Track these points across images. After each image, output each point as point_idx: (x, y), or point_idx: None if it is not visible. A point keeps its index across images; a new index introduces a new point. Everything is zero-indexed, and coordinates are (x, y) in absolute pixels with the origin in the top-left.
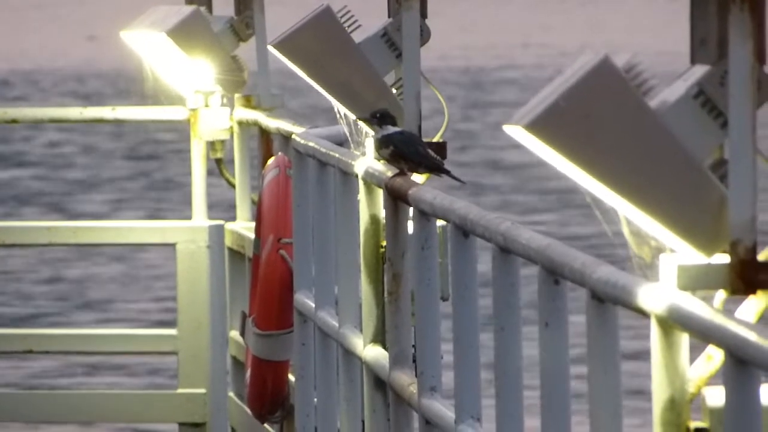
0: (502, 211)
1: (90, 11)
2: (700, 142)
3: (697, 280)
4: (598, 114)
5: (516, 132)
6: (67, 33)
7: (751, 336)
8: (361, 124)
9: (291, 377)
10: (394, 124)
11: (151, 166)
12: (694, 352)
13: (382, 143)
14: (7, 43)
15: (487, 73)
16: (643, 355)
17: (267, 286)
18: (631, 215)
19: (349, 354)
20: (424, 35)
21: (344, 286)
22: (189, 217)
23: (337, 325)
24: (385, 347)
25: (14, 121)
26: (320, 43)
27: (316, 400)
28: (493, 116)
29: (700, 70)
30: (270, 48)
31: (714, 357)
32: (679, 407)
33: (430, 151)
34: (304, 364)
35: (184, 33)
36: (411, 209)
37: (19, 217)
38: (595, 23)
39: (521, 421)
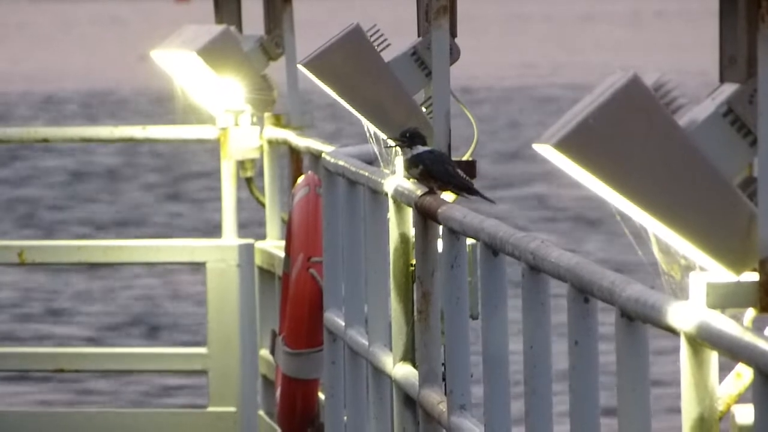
0: None
1: (136, 29)
2: (729, 161)
3: (726, 299)
4: (628, 132)
5: (545, 150)
6: (119, 52)
7: None
8: (390, 142)
9: (321, 395)
10: (424, 143)
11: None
12: (724, 370)
13: (411, 162)
14: (75, 64)
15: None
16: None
17: (297, 304)
18: (661, 233)
19: (378, 372)
20: (454, 54)
21: (374, 304)
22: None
23: (366, 343)
24: (414, 365)
25: (45, 140)
26: (350, 62)
27: (346, 418)
28: None
29: (729, 89)
30: (300, 67)
31: (743, 375)
32: (709, 425)
33: (460, 171)
34: (333, 382)
35: (214, 52)
36: (440, 228)
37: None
38: (617, 43)
39: None
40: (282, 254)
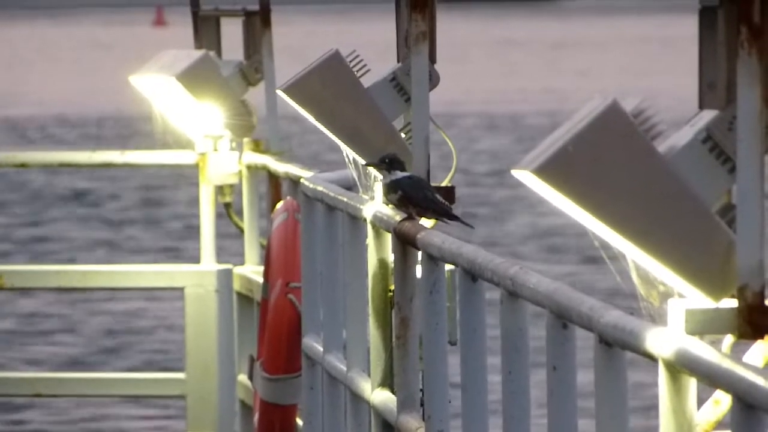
0: None
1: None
2: (708, 187)
3: (704, 325)
4: (607, 158)
5: (524, 176)
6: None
7: (759, 381)
8: (369, 168)
9: (299, 421)
10: (403, 168)
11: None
12: (702, 397)
13: (390, 188)
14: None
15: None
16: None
17: (275, 330)
18: (640, 260)
19: (357, 398)
20: (433, 80)
21: (352, 330)
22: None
23: (345, 369)
24: (393, 391)
25: (23, 165)
26: (329, 87)
27: None
28: None
29: (709, 115)
30: (279, 92)
31: (721, 401)
32: None
33: (439, 196)
34: (312, 408)
35: (193, 77)
36: (419, 253)
37: None
38: (601, 68)
39: None
40: (260, 279)
